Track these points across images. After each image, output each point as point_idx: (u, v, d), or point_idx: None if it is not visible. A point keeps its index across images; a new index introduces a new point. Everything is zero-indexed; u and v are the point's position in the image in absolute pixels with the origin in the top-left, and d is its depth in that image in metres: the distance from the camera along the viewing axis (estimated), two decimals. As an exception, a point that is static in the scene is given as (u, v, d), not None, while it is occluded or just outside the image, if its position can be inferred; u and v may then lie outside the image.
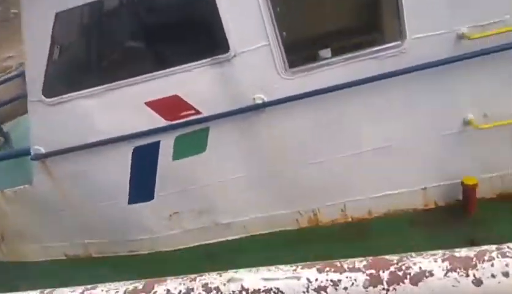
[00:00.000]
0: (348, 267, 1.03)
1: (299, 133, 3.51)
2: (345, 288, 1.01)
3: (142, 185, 3.77)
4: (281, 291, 1.04)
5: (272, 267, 1.10)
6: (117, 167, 3.69)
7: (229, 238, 3.99)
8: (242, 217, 3.92)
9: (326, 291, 1.01)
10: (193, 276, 1.13)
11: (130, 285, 1.16)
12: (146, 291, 1.12)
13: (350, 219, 3.82)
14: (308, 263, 1.09)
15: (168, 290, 1.11)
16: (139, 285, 1.15)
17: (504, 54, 2.95)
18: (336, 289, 1.01)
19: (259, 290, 1.05)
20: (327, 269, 1.04)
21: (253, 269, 1.12)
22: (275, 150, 3.60)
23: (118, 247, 4.11)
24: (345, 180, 3.66)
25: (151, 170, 3.65)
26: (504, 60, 3.01)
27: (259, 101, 3.35)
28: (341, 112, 3.37)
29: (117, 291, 1.15)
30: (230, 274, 1.11)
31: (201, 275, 1.13)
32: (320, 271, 1.04)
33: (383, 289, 0.98)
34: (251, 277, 1.08)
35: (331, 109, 3.34)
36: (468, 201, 3.48)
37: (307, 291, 1.02)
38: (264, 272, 1.09)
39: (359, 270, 1.02)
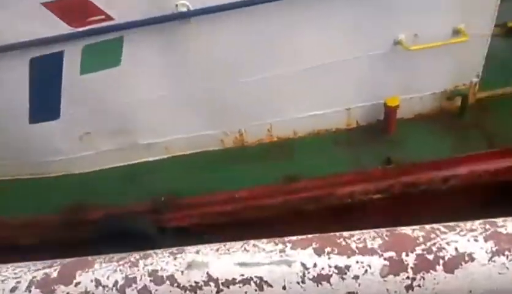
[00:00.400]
0: (357, 248, 0.75)
1: (228, 48, 3.24)
2: (356, 277, 0.73)
3: (44, 102, 3.31)
4: (265, 282, 0.74)
5: (249, 245, 0.79)
6: (12, 81, 3.17)
7: (150, 159, 3.79)
8: (163, 138, 3.70)
9: (329, 282, 0.73)
10: (134, 258, 0.80)
11: (38, 271, 0.80)
12: (63, 282, 0.78)
13: (275, 139, 3.77)
14: (297, 237, 0.80)
15: (98, 281, 0.77)
16: (52, 271, 0.80)
17: None
18: (343, 278, 0.73)
19: (233, 280, 0.75)
20: (329, 249, 0.75)
21: (222, 247, 0.80)
22: (201, 66, 3.31)
23: (22, 169, 3.71)
24: (273, 100, 3.54)
25: (54, 86, 3.19)
26: None
27: (184, 9, 2.97)
28: (271, 27, 3.12)
29: (18, 281, 0.79)
30: (189, 256, 0.78)
31: (146, 257, 0.80)
32: (318, 252, 0.75)
33: (407, 278, 0.72)
34: (221, 262, 0.77)
35: (261, 22, 3.08)
36: (389, 121, 3.56)
37: (303, 282, 0.74)
38: (239, 254, 0.78)
39: (373, 252, 0.74)
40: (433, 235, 0.75)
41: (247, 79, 3.39)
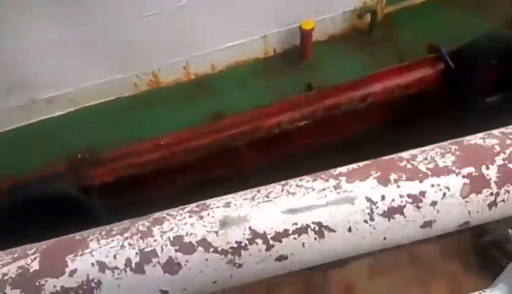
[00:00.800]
0: (429, 169, 0.63)
1: None
2: (434, 204, 0.63)
3: None
4: (325, 227, 0.61)
5: (292, 187, 0.64)
6: None
7: (55, 115, 3.39)
8: (65, 89, 3.30)
9: (403, 214, 0.63)
10: (142, 226, 0.61)
11: (8, 265, 0.59)
12: (50, 274, 0.58)
13: (193, 76, 3.57)
14: (348, 168, 0.66)
15: (102, 264, 0.58)
16: (28, 261, 0.59)
17: None
18: (419, 207, 0.63)
19: (286, 232, 0.61)
20: (395, 176, 0.62)
21: (257, 194, 0.64)
22: (102, 1, 2.93)
23: None
24: (185, 34, 3.28)
25: None
26: None
27: None
28: None
29: None
30: (219, 211, 0.62)
31: (159, 223, 0.61)
32: (382, 181, 0.62)
33: (491, 194, 0.63)
34: (264, 213, 0.62)
35: None
36: (305, 46, 3.52)
37: (371, 219, 0.62)
38: (284, 199, 0.63)
39: (449, 171, 0.63)
40: (508, 141, 0.65)
41: (153, 13, 3.07)
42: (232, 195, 0.65)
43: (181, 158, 3.06)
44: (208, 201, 0.64)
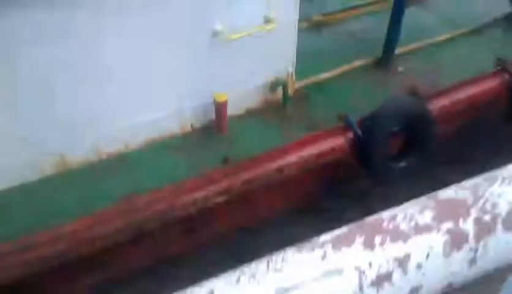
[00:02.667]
0: (410, 228, 0.61)
1: (34, 63, 2.77)
2: (419, 266, 0.60)
3: None
4: None
5: (278, 262, 0.59)
6: None
7: None
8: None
9: (391, 281, 0.60)
10: None
11: None
12: None
13: (104, 156, 3.42)
14: (331, 235, 0.63)
15: None
16: None
17: None
18: (405, 271, 0.60)
19: None
20: (379, 239, 0.60)
21: (241, 275, 0.59)
22: (5, 78, 2.79)
23: None
24: (96, 111, 3.17)
25: None
26: None
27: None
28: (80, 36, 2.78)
29: None
30: None
31: None
32: (368, 245, 0.59)
33: (470, 249, 0.63)
34: None
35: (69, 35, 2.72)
36: (221, 119, 3.56)
37: (361, 290, 0.59)
38: (271, 276, 0.58)
39: (429, 228, 0.62)
40: (480, 192, 0.64)
41: (58, 93, 2.97)
42: (213, 280, 0.59)
43: (86, 248, 2.78)
44: (188, 291, 0.59)
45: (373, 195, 3.91)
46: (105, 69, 3.03)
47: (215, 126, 3.63)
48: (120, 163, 3.40)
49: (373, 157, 3.56)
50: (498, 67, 4.08)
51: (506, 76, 4.08)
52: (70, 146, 3.24)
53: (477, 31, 4.66)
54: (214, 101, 3.46)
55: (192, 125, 3.67)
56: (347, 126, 3.56)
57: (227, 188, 3.25)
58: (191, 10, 3.06)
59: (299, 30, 3.66)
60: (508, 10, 4.52)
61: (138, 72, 3.15)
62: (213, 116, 3.61)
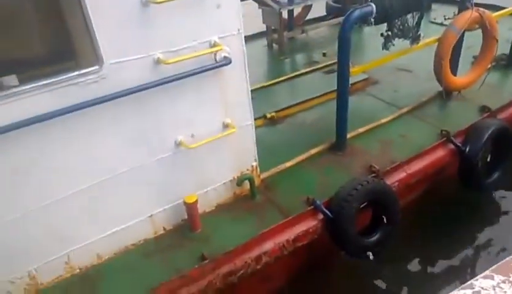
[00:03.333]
0: None
1: None
2: None
3: None
4: None
5: None
6: None
7: None
8: None
9: None
10: None
11: None
12: None
13: (77, 271, 3.33)
14: None
15: None
16: None
17: (195, 78, 3.21)
18: None
19: None
20: None
21: None
22: None
23: None
24: (63, 228, 3.16)
25: None
26: (197, 83, 3.28)
27: None
28: (40, 149, 2.88)
29: None
30: None
31: None
32: None
33: None
34: None
35: (25, 147, 2.81)
36: (192, 219, 3.62)
37: None
38: None
39: None
40: None
41: (20, 214, 2.95)
42: None
43: None
44: None
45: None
46: (70, 185, 3.09)
47: (188, 225, 3.67)
48: (94, 275, 3.31)
49: (344, 234, 3.68)
50: (443, 138, 4.50)
51: (451, 145, 4.49)
52: (40, 264, 3.15)
53: (416, 109, 5.18)
54: (184, 202, 3.56)
55: (164, 228, 3.69)
56: (316, 208, 3.71)
57: (207, 286, 3.21)
58: (152, 123, 3.25)
59: (256, 127, 3.95)
60: (440, 89, 5.11)
61: (105, 184, 3.22)
62: (185, 215, 3.67)
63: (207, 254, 3.37)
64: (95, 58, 2.83)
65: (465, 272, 4.51)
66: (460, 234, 4.86)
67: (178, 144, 3.41)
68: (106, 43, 2.81)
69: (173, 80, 3.09)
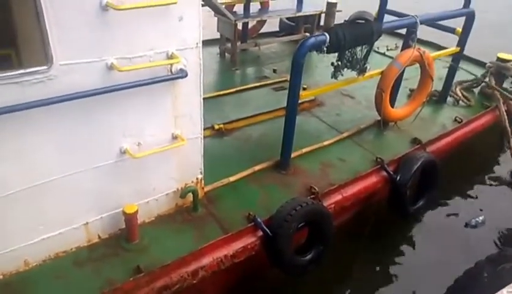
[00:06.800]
0: None
1: None
2: None
3: None
4: None
5: None
6: None
7: None
8: None
9: None
10: None
11: None
12: None
13: (0, 277, 3.11)
14: None
15: None
16: None
17: (148, 87, 3.15)
18: None
19: None
20: None
21: None
22: None
23: None
24: None
25: None
26: (149, 93, 3.22)
27: None
28: None
29: None
30: None
31: None
32: None
33: None
34: None
35: None
36: (131, 229, 3.53)
37: None
38: None
39: None
40: None
41: None
42: None
43: None
44: None
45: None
46: (4, 186, 2.91)
47: (126, 236, 3.57)
48: (19, 283, 3.11)
49: (281, 253, 3.78)
50: (378, 165, 4.80)
51: (383, 172, 4.80)
52: None
53: (355, 135, 5.47)
54: (123, 212, 3.45)
55: (99, 237, 3.56)
56: (256, 226, 3.79)
57: (141, 300, 3.14)
58: (97, 129, 3.13)
59: (204, 138, 3.95)
60: (378, 118, 5.45)
61: (38, 189, 3.05)
62: (123, 225, 3.57)
63: (143, 266, 3.30)
64: (44, 57, 2.68)
65: (390, 288, 4.83)
66: (388, 253, 5.21)
67: (123, 152, 3.32)
68: (57, 43, 2.68)
69: (125, 88, 3.01)
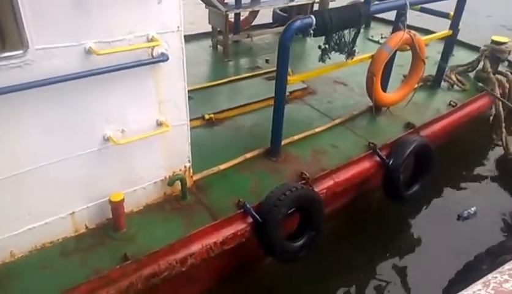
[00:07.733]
0: None
1: None
2: None
3: None
4: None
5: None
6: None
7: None
8: None
9: None
10: None
11: None
12: None
13: (-17, 269, 3.09)
14: None
15: None
16: None
17: (130, 72, 3.11)
18: None
19: None
20: None
21: None
22: None
23: None
24: None
25: None
26: (131, 78, 3.18)
27: None
28: None
29: None
30: None
31: None
32: None
33: None
34: None
35: None
36: (117, 218, 3.50)
37: None
38: None
39: None
40: None
41: None
42: None
43: None
44: None
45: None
46: None
47: (113, 225, 3.53)
48: (5, 274, 3.08)
49: (271, 238, 3.74)
50: (370, 150, 4.75)
51: (376, 157, 4.75)
52: None
53: (348, 121, 5.42)
54: (109, 201, 3.42)
55: (86, 226, 3.53)
56: (245, 212, 3.74)
57: (127, 288, 3.11)
58: (80, 116, 3.10)
59: (193, 127, 3.91)
60: (371, 103, 5.39)
61: (22, 177, 3.01)
62: (110, 214, 3.53)
63: (130, 255, 3.27)
64: (20, 41, 2.64)
65: (388, 275, 4.78)
66: (384, 240, 5.16)
67: (106, 140, 3.28)
68: (33, 27, 2.64)
69: (104, 72, 2.97)
